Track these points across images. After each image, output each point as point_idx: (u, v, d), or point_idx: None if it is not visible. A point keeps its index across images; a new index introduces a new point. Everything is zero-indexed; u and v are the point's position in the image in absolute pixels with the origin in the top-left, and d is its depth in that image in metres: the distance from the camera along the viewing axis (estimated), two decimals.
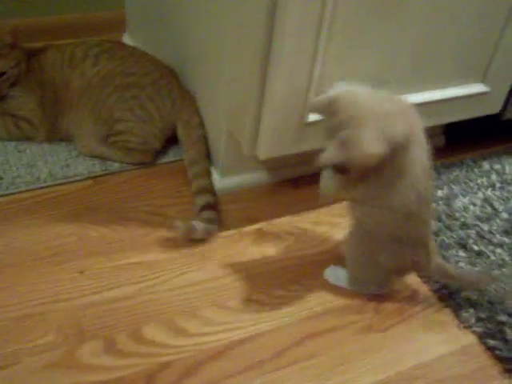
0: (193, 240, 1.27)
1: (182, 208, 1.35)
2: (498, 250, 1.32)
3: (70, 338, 1.07)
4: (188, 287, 1.19)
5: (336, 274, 1.23)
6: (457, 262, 1.28)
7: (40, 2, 1.82)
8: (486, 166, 1.58)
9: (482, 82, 1.40)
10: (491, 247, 1.33)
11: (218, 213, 1.32)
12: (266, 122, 1.16)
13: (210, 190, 1.36)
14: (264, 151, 1.21)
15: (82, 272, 1.19)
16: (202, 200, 1.33)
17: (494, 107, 1.47)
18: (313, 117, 1.20)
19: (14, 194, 1.34)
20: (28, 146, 1.46)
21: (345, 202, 1.42)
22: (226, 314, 1.15)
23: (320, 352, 1.10)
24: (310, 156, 1.39)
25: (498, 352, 1.13)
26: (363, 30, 1.15)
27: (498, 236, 1.36)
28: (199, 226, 1.26)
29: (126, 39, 1.82)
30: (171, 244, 1.27)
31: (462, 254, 1.30)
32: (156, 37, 1.63)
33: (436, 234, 1.34)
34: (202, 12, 1.32)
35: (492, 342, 1.14)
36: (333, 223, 1.37)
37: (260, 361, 1.08)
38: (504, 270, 1.27)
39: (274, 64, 1.09)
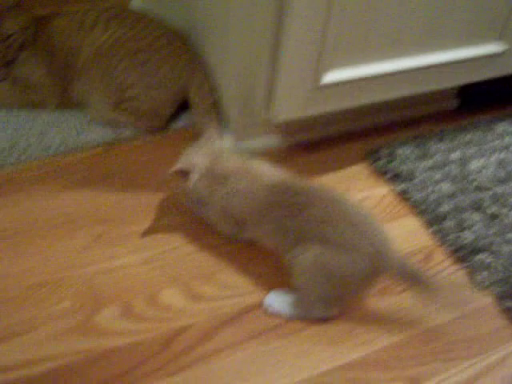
0: None
1: None
2: None
3: (86, 304, 1.08)
4: (203, 252, 1.19)
5: (279, 301, 1.11)
6: (471, 225, 1.27)
7: None
8: (500, 128, 1.56)
9: (499, 40, 1.37)
10: (505, 210, 1.32)
11: None
12: (279, 84, 1.15)
13: None
14: (278, 114, 1.20)
15: (96, 239, 1.20)
16: None
17: (511, 67, 1.45)
18: (327, 79, 1.18)
19: (27, 162, 1.34)
20: (39, 114, 1.46)
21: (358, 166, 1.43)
22: (243, 278, 1.15)
23: (335, 316, 1.10)
24: (322, 120, 1.39)
25: None
26: None
27: None
28: None
29: (134, 5, 1.80)
30: (185, 209, 1.26)
31: (476, 217, 1.30)
32: (164, 1, 1.61)
33: (450, 196, 1.33)
34: None
35: (508, 304, 1.14)
36: (347, 186, 1.37)
37: (276, 324, 1.08)
38: None
39: (287, 24, 1.08)
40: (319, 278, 1.03)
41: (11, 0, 1.37)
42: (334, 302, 1.08)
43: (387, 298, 1.14)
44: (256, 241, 1.15)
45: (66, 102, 1.47)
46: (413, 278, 1.04)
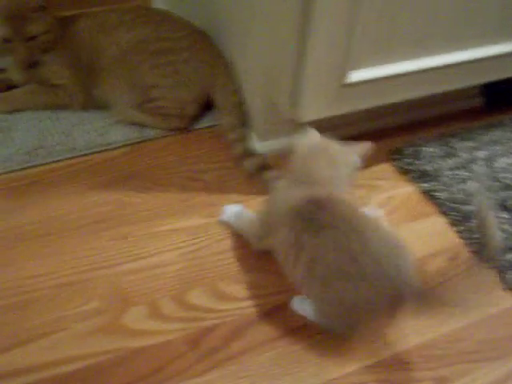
0: None
1: (219, 173, 1.35)
2: None
3: (113, 304, 1.09)
4: (229, 252, 1.19)
5: (303, 307, 1.09)
6: (499, 224, 1.26)
7: None
8: None
9: None
10: None
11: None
12: (305, 84, 1.15)
13: (255, 152, 1.36)
14: (304, 114, 1.20)
15: (123, 239, 1.20)
16: (254, 162, 1.34)
17: None
18: (353, 77, 1.18)
19: (52, 163, 1.35)
20: (64, 114, 1.47)
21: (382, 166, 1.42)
22: (269, 278, 1.15)
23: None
24: (346, 119, 1.38)
25: None
26: None
27: None
28: None
29: (157, 4, 1.80)
30: (211, 209, 1.27)
31: (504, 215, 1.28)
32: (187, 1, 1.62)
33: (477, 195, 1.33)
34: None
35: None
36: (372, 185, 1.36)
37: (303, 324, 1.08)
38: None
39: (314, 22, 1.07)
40: (334, 311, 1.00)
41: (35, 2, 1.37)
42: (354, 326, 1.05)
43: None
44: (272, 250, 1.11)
45: (90, 102, 1.48)
46: (436, 307, 0.96)
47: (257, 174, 1.33)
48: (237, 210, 1.23)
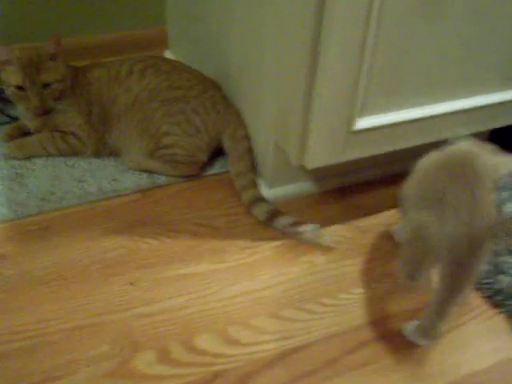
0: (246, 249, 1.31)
1: (229, 219, 1.37)
2: None
3: (123, 349, 1.09)
4: (239, 297, 1.19)
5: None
6: (508, 268, 1.26)
7: (85, 23, 1.87)
8: None
9: None
10: None
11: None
12: (312, 131, 1.17)
13: (264, 199, 1.38)
14: (311, 161, 1.21)
15: (133, 284, 1.21)
16: (263, 209, 1.35)
17: None
18: (360, 125, 1.20)
19: (64, 208, 1.37)
20: (77, 161, 1.50)
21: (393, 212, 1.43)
22: (278, 323, 1.15)
23: (373, 360, 1.09)
24: (356, 164, 1.40)
25: None
26: (409, 35, 1.14)
27: None
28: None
29: (169, 55, 1.84)
30: (221, 255, 1.28)
31: None
32: (198, 51, 1.66)
33: None
34: (244, 24, 1.34)
35: None
36: (381, 232, 1.37)
37: (313, 370, 1.07)
38: None
39: (320, 73, 1.10)
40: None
41: (49, 50, 1.42)
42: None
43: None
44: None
45: (103, 149, 1.51)
46: None
47: (267, 220, 1.34)
48: None
